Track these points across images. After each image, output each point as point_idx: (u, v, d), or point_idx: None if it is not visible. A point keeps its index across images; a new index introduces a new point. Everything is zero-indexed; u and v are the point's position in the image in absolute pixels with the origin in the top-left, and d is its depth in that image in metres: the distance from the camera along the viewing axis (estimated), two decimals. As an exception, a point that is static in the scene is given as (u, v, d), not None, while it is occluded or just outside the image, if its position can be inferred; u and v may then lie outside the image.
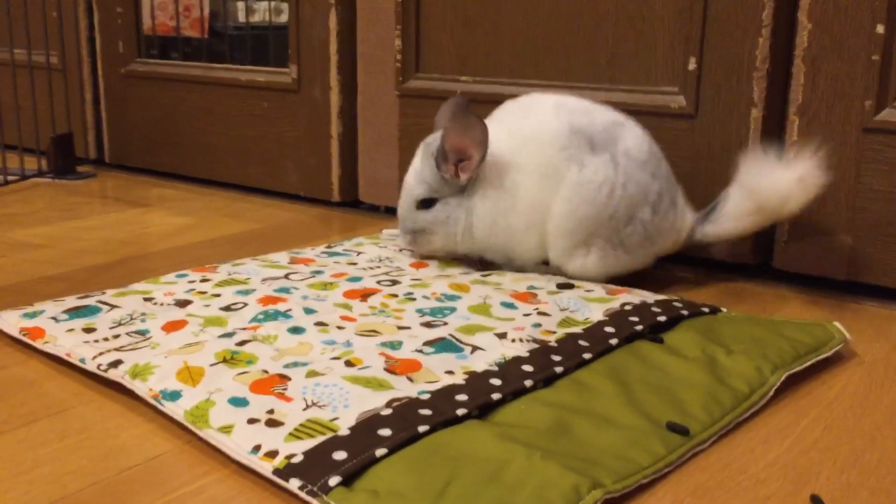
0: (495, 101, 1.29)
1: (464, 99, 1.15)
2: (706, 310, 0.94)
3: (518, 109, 1.09)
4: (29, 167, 1.69)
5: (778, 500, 0.62)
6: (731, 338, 0.85)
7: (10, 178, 1.64)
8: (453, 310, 0.91)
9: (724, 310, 0.96)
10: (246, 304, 0.91)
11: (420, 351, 0.80)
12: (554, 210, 1.04)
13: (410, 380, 0.74)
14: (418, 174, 1.08)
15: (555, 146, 1.03)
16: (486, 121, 1.04)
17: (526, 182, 1.05)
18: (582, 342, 0.82)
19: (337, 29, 1.46)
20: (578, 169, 1.02)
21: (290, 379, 0.73)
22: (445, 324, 0.87)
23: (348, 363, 0.77)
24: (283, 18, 1.64)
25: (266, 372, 0.75)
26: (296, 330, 0.84)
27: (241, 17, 1.95)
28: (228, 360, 0.77)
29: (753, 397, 0.75)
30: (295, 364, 0.76)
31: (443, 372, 0.75)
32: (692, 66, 1.13)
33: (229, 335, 0.83)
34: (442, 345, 0.81)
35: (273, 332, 0.83)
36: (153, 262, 1.18)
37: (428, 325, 0.87)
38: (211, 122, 1.67)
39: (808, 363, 0.81)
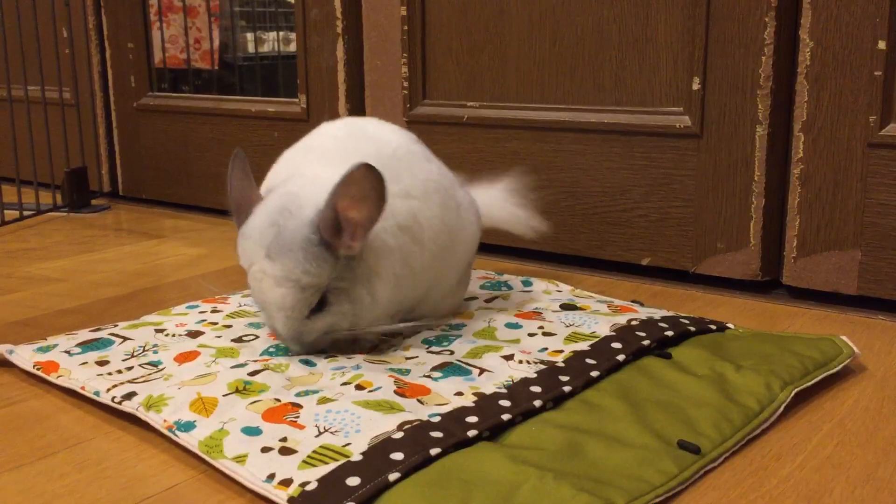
0: (503, 125, 1.31)
1: (242, 152, 0.88)
2: (713, 327, 0.94)
3: (346, 138, 0.91)
4: (44, 202, 1.71)
5: (790, 517, 0.62)
6: (739, 354, 0.86)
7: (25, 212, 1.66)
8: (458, 336, 0.92)
9: (732, 326, 0.96)
10: (257, 337, 0.92)
11: (428, 376, 0.80)
12: (456, 257, 0.96)
13: (420, 402, 0.74)
14: (289, 275, 0.81)
15: (439, 173, 0.94)
16: (305, 161, 0.90)
17: (430, 226, 0.90)
18: (589, 360, 0.83)
19: (344, 58, 1.47)
20: (457, 208, 0.95)
21: (301, 407, 0.74)
22: (452, 352, 0.87)
23: (358, 387, 0.77)
24: (293, 48, 1.66)
25: (278, 400, 0.75)
26: (307, 361, 0.85)
27: (251, 48, 1.97)
28: (241, 390, 0.78)
29: (763, 414, 0.75)
30: (306, 392, 0.77)
31: (452, 394, 0.76)
32: (696, 85, 1.14)
33: (241, 366, 0.83)
34: (450, 369, 0.82)
35: (284, 361, 0.84)
36: (168, 292, 1.19)
37: (435, 352, 0.88)
38: (223, 153, 1.69)
39: (817, 379, 0.82)
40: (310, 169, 0.87)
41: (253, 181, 0.88)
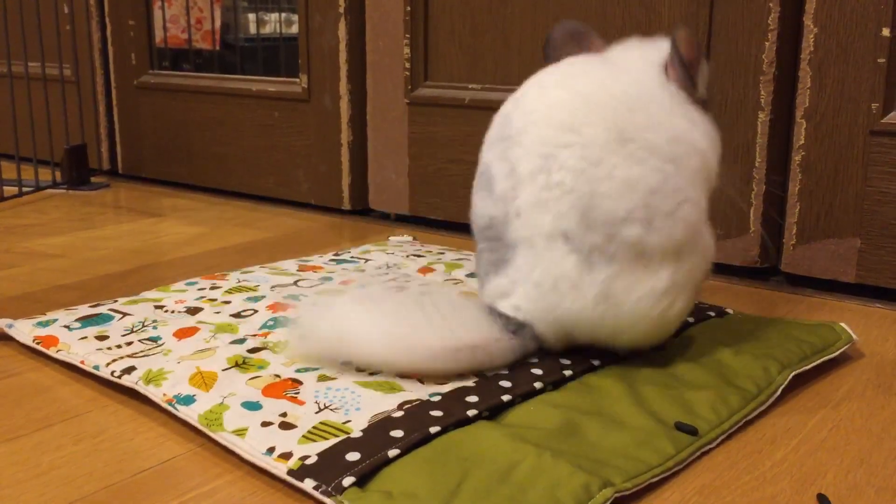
0: (504, 108, 1.30)
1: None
2: (712, 314, 0.94)
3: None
4: (43, 178, 1.71)
5: (784, 499, 0.62)
6: (738, 338, 0.86)
7: (24, 189, 1.66)
8: None
9: (731, 311, 0.96)
10: (256, 311, 0.92)
11: None
12: None
13: (421, 381, 0.75)
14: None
15: None
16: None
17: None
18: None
19: (346, 38, 1.47)
20: None
21: (301, 383, 0.74)
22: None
23: (360, 368, 0.77)
24: (294, 30, 1.66)
25: (278, 376, 0.75)
26: None
27: (252, 29, 1.97)
28: (241, 364, 0.78)
29: (761, 397, 0.75)
30: (306, 369, 0.77)
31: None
32: (699, 71, 1.13)
33: (240, 341, 0.84)
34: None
35: (283, 338, 0.84)
36: (166, 270, 1.19)
37: None
38: (223, 133, 1.69)
39: (815, 363, 0.82)
40: None
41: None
